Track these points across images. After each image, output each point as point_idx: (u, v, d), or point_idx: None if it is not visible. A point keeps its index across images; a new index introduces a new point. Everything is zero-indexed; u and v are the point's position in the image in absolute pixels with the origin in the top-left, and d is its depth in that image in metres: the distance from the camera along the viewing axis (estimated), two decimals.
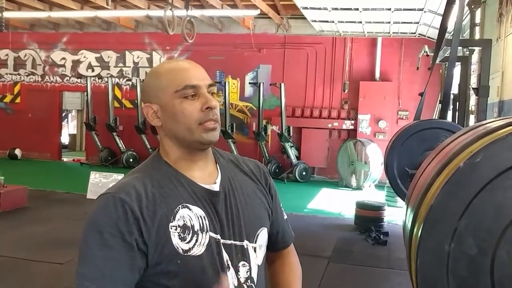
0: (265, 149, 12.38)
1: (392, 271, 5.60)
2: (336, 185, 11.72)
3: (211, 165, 1.35)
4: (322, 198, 10.27)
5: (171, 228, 1.19)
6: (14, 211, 7.63)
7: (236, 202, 1.32)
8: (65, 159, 15.19)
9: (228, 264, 1.26)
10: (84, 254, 1.17)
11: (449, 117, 7.31)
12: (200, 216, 1.24)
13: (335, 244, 6.58)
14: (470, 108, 7.06)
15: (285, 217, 1.54)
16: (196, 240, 1.21)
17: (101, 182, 8.88)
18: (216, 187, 1.30)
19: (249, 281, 1.30)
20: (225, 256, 1.26)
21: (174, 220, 1.21)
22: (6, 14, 10.86)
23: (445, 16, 4.64)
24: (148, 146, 12.85)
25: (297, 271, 1.53)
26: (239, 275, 1.27)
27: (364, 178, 11.36)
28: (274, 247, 1.51)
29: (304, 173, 12.08)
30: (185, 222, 1.21)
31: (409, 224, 1.09)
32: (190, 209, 1.23)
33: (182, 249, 1.19)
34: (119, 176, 8.86)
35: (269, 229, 1.45)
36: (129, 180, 1.25)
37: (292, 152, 12.12)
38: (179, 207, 1.22)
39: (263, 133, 12.22)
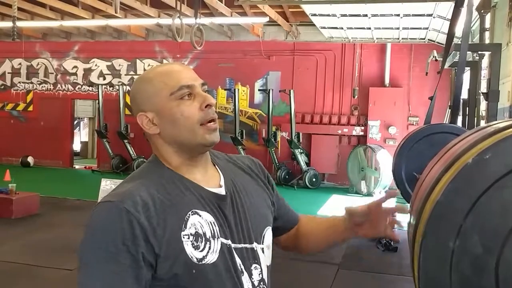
0: (274, 156, 12.37)
1: (402, 278, 5.55)
2: (346, 192, 11.67)
3: (210, 167, 1.32)
4: (332, 205, 10.22)
5: (184, 237, 1.15)
6: (26, 218, 7.70)
7: (242, 204, 1.29)
8: (76, 167, 15.30)
9: (241, 269, 1.23)
10: (86, 265, 1.12)
11: (459, 122, 7.26)
12: (210, 222, 1.20)
13: (345, 251, 6.54)
14: (480, 113, 7.01)
15: (286, 203, 1.56)
16: (209, 248, 1.18)
17: (112, 189, 8.89)
18: (222, 191, 1.27)
19: (261, 283, 1.28)
20: (238, 260, 1.23)
21: (186, 228, 1.16)
22: (19, 24, 11.00)
23: (453, 20, 4.62)
24: None
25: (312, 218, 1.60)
26: (252, 278, 1.25)
27: (374, 184, 11.29)
28: (287, 229, 1.54)
29: (314, 179, 12.05)
30: (196, 229, 1.17)
31: (413, 224, 1.08)
32: (200, 215, 1.19)
33: (196, 258, 1.15)
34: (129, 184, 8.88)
35: (278, 220, 1.47)
36: (133, 186, 1.18)
37: (302, 159, 12.09)
38: (189, 214, 1.17)
39: (272, 140, 12.22)
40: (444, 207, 0.95)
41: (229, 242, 1.22)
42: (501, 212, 0.95)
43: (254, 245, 1.28)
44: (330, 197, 11.03)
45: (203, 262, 1.16)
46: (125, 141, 13.36)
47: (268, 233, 1.36)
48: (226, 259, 1.20)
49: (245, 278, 1.23)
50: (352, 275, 5.72)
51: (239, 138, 12.17)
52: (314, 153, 12.61)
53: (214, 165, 1.34)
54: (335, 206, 10.06)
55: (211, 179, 1.29)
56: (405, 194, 3.93)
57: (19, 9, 10.65)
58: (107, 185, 9.00)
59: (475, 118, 6.58)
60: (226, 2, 10.70)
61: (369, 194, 11.23)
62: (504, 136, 0.94)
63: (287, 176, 12.23)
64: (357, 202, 10.36)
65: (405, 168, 3.82)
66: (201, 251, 1.16)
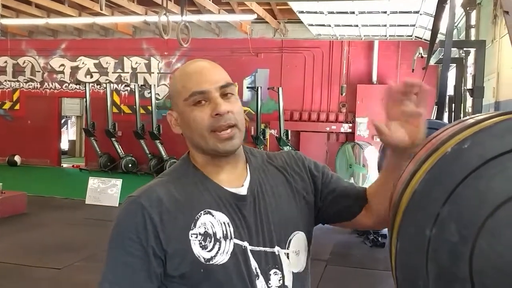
0: None
1: (390, 274, 5.58)
2: None
3: (241, 166, 1.29)
4: None
5: (191, 236, 1.15)
6: (13, 217, 7.64)
7: (265, 205, 1.25)
8: (64, 165, 15.21)
9: (257, 272, 1.20)
10: (107, 255, 1.18)
11: (446, 118, 7.33)
12: (224, 223, 1.19)
13: (333, 247, 6.58)
14: (467, 110, 7.08)
15: (346, 183, 1.41)
16: (219, 248, 1.17)
17: (99, 187, 8.90)
18: (243, 191, 1.24)
19: None
20: (254, 263, 1.20)
21: (195, 227, 1.16)
22: (4, 21, 10.90)
23: (437, 17, 4.66)
24: (147, 151, 12.87)
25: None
26: (270, 283, 1.21)
27: (362, 180, 11.34)
28: (355, 212, 1.37)
29: None
30: (206, 229, 1.17)
31: (392, 213, 1.10)
32: (213, 215, 1.18)
33: (204, 257, 1.15)
34: (117, 181, 8.89)
35: (337, 204, 1.36)
36: (154, 183, 1.22)
37: None
38: (201, 213, 1.18)
39: (261, 137, 12.24)
40: (422, 196, 0.96)
41: (245, 244, 1.20)
42: (477, 202, 0.96)
43: (276, 249, 1.24)
44: None
45: (211, 262, 1.16)
46: (113, 139, 13.30)
47: (298, 238, 1.29)
48: (239, 261, 1.18)
49: (260, 282, 1.20)
50: (340, 271, 5.76)
51: None
52: (303, 150, 12.63)
53: (246, 163, 1.31)
54: None
55: (237, 179, 1.27)
56: None
57: (4, 6, 10.54)
58: (95, 184, 8.97)
59: (461, 114, 6.65)
60: None
61: None
62: (482, 127, 0.95)
63: None
64: None
65: None
66: (209, 251, 1.16)
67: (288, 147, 12.06)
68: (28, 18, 12.51)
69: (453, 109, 6.61)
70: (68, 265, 5.47)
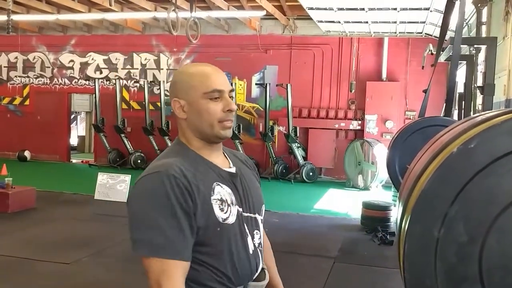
0: (272, 150, 12.38)
1: (398, 271, 5.56)
2: (343, 186, 11.68)
3: (222, 153, 1.64)
4: (329, 199, 10.24)
5: (213, 201, 1.44)
6: (22, 212, 7.69)
7: (246, 182, 1.61)
8: (73, 161, 15.29)
9: (247, 232, 1.54)
10: (147, 224, 1.35)
11: (455, 116, 7.27)
12: (229, 193, 1.51)
13: (341, 244, 6.56)
14: (477, 107, 7.02)
15: None
16: (230, 211, 1.48)
17: (108, 183, 8.94)
18: (233, 170, 1.59)
19: (260, 246, 1.60)
20: (246, 225, 1.54)
21: (214, 194, 1.46)
22: (15, 17, 10.96)
23: (447, 13, 4.62)
24: (156, 148, 12.90)
25: (270, 252, 1.84)
26: (254, 241, 1.56)
27: (371, 178, 11.31)
28: None
29: (311, 173, 12.06)
30: (221, 196, 1.48)
31: (399, 212, 1.09)
32: (222, 187, 1.50)
33: (221, 218, 1.45)
34: (126, 177, 8.92)
35: None
36: (170, 161, 1.45)
37: (299, 153, 12.10)
38: (214, 184, 1.48)
39: (270, 134, 12.22)
40: (429, 195, 0.94)
41: (240, 210, 1.53)
42: (486, 200, 0.95)
43: (256, 215, 1.60)
44: (327, 191, 11.05)
45: (226, 222, 1.46)
46: (122, 135, 13.36)
47: (263, 209, 1.68)
48: (240, 222, 1.52)
49: (249, 239, 1.54)
50: (348, 269, 5.74)
51: (236, 132, 12.16)
52: (311, 147, 12.62)
53: (224, 153, 1.66)
54: (332, 200, 10.08)
55: (225, 162, 1.61)
56: (398, 187, 3.94)
57: (15, 2, 10.61)
58: (104, 179, 9.01)
59: (471, 112, 6.59)
60: None
61: (366, 188, 11.25)
62: (489, 125, 0.93)
63: (284, 170, 12.24)
64: (354, 196, 10.38)
65: (399, 161, 3.83)
66: (225, 213, 1.47)
67: (296, 144, 12.04)
68: (38, 14, 12.58)
69: (463, 107, 6.55)
70: (76, 260, 5.50)
